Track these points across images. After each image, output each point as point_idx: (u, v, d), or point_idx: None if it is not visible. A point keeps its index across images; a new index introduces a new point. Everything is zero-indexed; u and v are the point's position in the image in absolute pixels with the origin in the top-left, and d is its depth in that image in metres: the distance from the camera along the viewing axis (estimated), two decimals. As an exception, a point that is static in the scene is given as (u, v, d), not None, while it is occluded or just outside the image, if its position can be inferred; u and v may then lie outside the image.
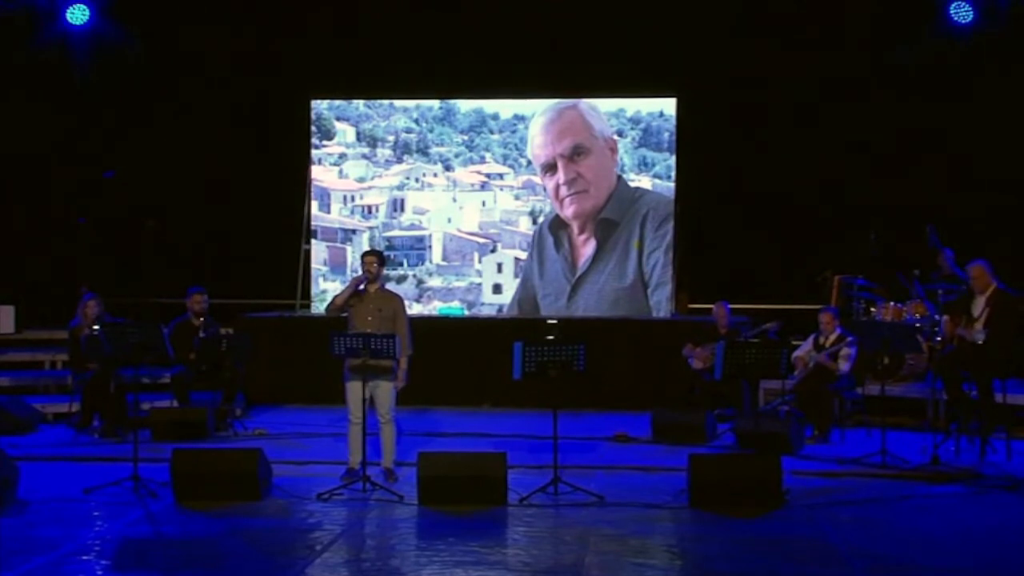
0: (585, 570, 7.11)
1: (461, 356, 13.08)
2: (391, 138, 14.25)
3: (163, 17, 14.16)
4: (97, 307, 11.51)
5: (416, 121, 14.27)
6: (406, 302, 9.64)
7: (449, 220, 14.13)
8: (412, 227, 14.16)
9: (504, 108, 14.07)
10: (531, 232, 13.91)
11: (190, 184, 14.57)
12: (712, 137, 13.91)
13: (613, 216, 13.65)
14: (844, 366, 11.04)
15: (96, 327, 10.90)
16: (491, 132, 14.11)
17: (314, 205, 14.23)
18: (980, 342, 10.02)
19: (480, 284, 14.04)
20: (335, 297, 9.41)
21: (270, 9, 14.31)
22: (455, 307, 13.98)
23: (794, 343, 11.12)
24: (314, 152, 14.29)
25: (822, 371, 11.06)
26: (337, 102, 14.43)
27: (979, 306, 10.20)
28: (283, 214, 14.24)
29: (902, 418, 11.40)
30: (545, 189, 13.87)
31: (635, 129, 13.85)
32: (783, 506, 8.43)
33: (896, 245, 12.80)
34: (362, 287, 9.23)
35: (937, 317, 10.94)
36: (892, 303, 12.02)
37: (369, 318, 9.16)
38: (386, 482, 9.02)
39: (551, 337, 9.46)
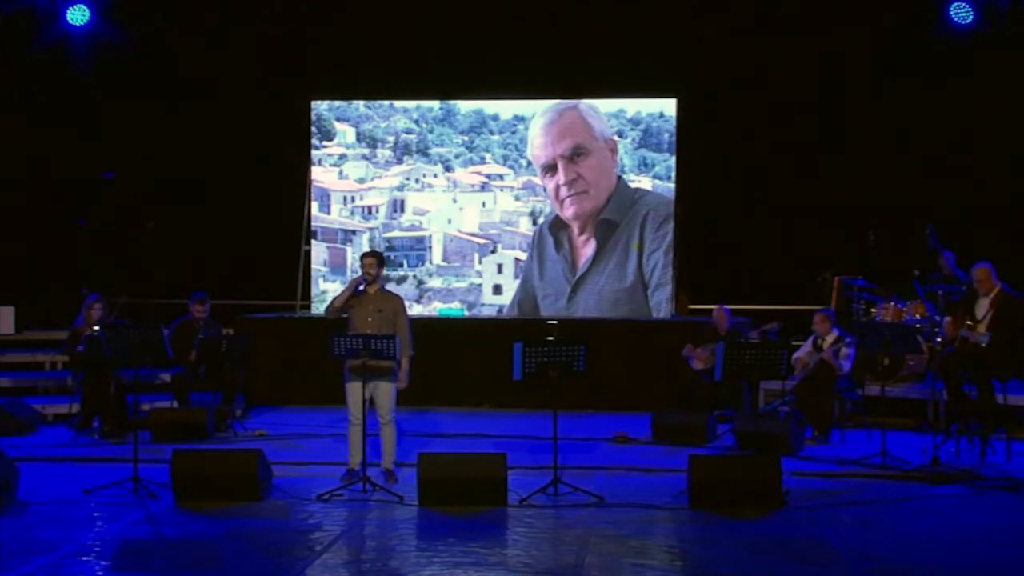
0: (585, 571, 7.11)
1: (461, 357, 13.08)
2: (391, 139, 14.25)
3: (162, 17, 14.15)
4: (101, 309, 11.51)
5: (416, 122, 14.26)
6: (406, 303, 9.64)
7: (449, 221, 14.13)
8: (412, 228, 14.16)
9: (504, 109, 14.07)
10: (531, 233, 13.91)
11: (190, 184, 14.56)
12: (712, 137, 13.90)
13: (613, 217, 13.65)
14: (845, 364, 11.03)
15: (96, 328, 10.90)
16: (491, 133, 14.10)
17: (314, 206, 14.23)
18: (984, 345, 10.01)
19: (480, 285, 14.04)
20: (334, 299, 9.40)
21: (270, 9, 14.31)
22: (455, 308, 13.98)
23: (794, 343, 11.11)
24: (314, 153, 14.28)
25: (824, 370, 11.04)
26: (337, 103, 14.42)
27: (983, 308, 10.18)
28: (283, 215, 14.24)
29: (902, 419, 11.40)
30: (545, 190, 13.86)
31: (635, 130, 13.85)
32: (783, 507, 8.43)
33: (896, 245, 12.81)
34: (361, 288, 9.23)
35: (938, 318, 10.93)
36: (892, 304, 12.02)
37: (369, 319, 9.16)
38: (386, 483, 9.02)
39: (551, 338, 9.43)
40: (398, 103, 14.30)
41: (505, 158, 14.04)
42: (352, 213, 14.27)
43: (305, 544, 7.62)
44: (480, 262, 14.05)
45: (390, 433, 9.25)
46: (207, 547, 7.54)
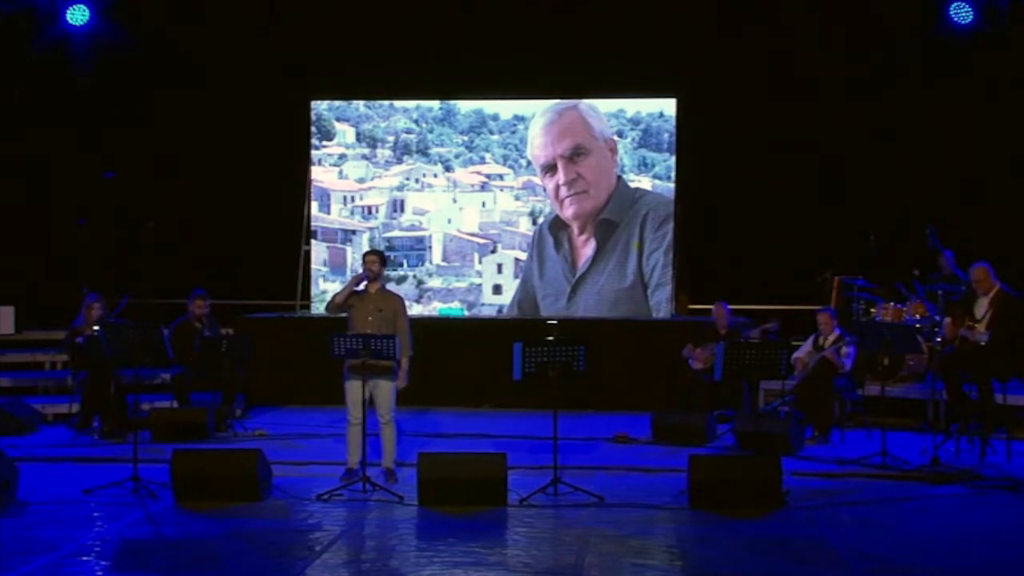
0: (585, 571, 7.11)
1: (461, 357, 13.08)
2: (391, 139, 14.25)
3: (162, 17, 14.16)
4: (101, 308, 11.51)
5: (416, 122, 14.26)
6: (406, 303, 9.64)
7: (449, 221, 14.13)
8: (412, 228, 14.16)
9: (504, 109, 14.07)
10: (531, 233, 13.91)
11: (190, 184, 14.57)
12: (712, 137, 13.90)
13: (613, 217, 13.65)
14: (846, 362, 11.04)
15: (96, 328, 10.90)
16: (491, 133, 14.10)
17: (314, 206, 14.23)
18: (983, 343, 10.01)
19: (480, 285, 14.04)
20: (335, 295, 9.39)
21: (270, 9, 14.31)
22: (455, 308, 13.98)
23: (794, 343, 11.11)
24: (314, 153, 14.29)
25: (824, 370, 11.04)
26: (337, 103, 14.43)
27: (982, 307, 10.17)
28: (283, 214, 14.24)
29: (902, 419, 11.40)
30: (545, 190, 13.86)
31: (635, 130, 13.85)
32: (783, 507, 8.43)
33: (896, 245, 12.82)
34: (362, 286, 9.23)
35: (937, 318, 10.93)
36: (892, 303, 12.02)
37: (369, 318, 9.16)
38: (386, 483, 9.02)
39: (551, 338, 9.44)
40: (398, 103, 14.30)
41: (505, 158, 14.04)
42: (352, 213, 14.27)
43: (305, 544, 7.62)
44: (480, 262, 14.05)
45: (390, 433, 9.25)
46: (207, 547, 7.54)
